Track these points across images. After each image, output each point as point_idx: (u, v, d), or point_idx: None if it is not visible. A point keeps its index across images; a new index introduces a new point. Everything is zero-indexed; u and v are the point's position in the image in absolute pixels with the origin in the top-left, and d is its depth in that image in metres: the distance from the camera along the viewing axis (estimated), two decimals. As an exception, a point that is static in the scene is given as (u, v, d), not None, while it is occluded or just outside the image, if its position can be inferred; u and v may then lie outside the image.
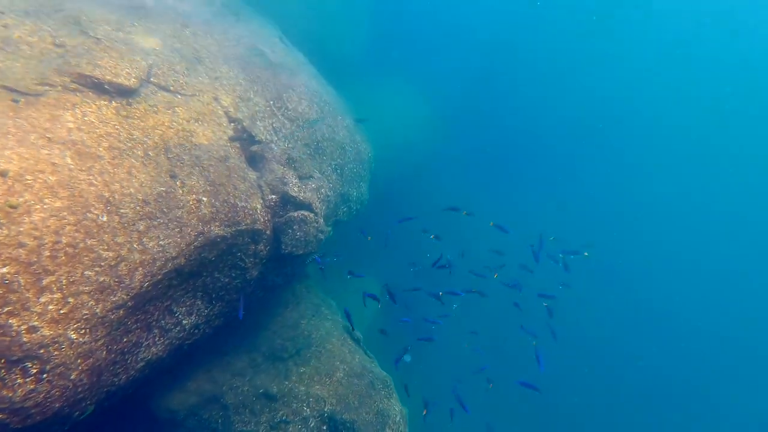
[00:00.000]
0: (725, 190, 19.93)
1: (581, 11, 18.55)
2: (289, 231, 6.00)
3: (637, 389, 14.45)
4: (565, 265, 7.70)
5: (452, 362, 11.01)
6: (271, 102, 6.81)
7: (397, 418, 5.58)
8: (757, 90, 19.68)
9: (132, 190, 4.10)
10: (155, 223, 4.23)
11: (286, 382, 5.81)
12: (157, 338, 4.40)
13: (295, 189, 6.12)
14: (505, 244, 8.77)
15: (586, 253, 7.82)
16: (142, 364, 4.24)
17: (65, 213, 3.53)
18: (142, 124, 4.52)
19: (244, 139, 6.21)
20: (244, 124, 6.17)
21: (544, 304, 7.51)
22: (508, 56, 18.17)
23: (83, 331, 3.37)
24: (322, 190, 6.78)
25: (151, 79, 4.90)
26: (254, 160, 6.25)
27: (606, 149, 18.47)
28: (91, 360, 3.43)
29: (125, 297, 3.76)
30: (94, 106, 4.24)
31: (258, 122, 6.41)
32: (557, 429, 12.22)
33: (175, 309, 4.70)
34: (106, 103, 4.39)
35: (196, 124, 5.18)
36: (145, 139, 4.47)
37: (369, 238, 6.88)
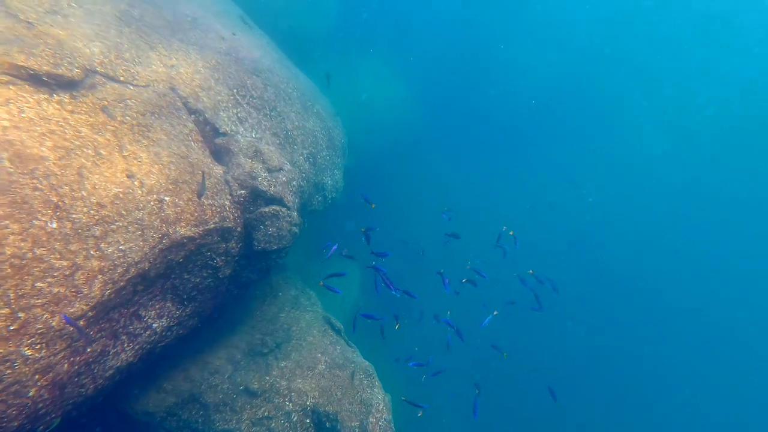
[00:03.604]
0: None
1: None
2: (261, 227, 5.84)
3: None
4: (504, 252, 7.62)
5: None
6: (235, 90, 6.45)
7: (380, 406, 5.72)
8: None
9: (84, 192, 3.81)
10: (113, 227, 3.98)
11: (267, 378, 5.80)
12: (125, 344, 4.24)
13: (265, 183, 5.92)
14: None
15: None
16: (111, 371, 4.08)
17: (7, 221, 3.24)
18: (91, 119, 4.16)
19: (207, 131, 5.89)
20: (206, 115, 5.83)
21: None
22: (490, 31, 17.65)
23: (38, 346, 3.18)
24: (294, 182, 6.59)
25: (97, 69, 4.49)
26: (219, 154, 5.96)
27: (590, 133, 18.29)
28: (51, 375, 3.26)
29: (85, 307, 3.56)
30: (32, 100, 3.84)
31: (221, 113, 6.08)
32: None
33: (143, 313, 4.51)
34: (46, 96, 3.99)
35: (152, 117, 4.84)
36: (95, 136, 4.13)
37: (373, 205, 6.67)
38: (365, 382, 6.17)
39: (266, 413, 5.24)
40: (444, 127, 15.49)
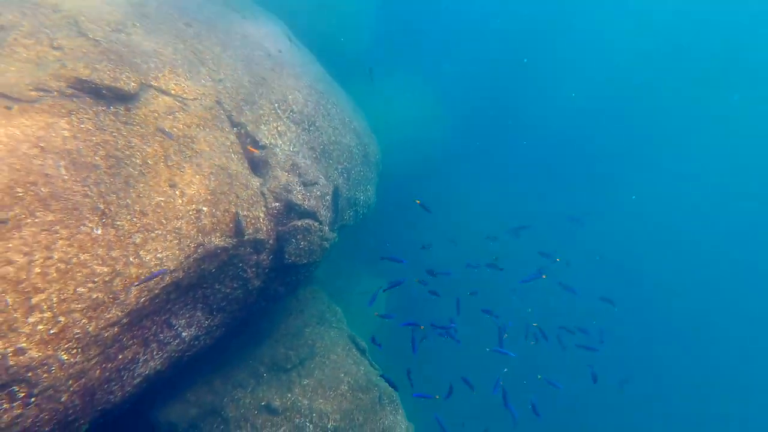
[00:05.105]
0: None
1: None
2: (293, 240, 5.80)
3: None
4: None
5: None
6: (276, 105, 6.60)
7: (403, 437, 5.37)
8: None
9: (129, 200, 3.93)
10: (153, 235, 4.06)
11: (289, 395, 5.64)
12: (155, 352, 4.26)
13: (300, 196, 5.91)
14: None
15: (558, 259, 7.81)
16: (139, 379, 4.10)
17: (58, 227, 3.37)
18: (142, 130, 4.35)
19: (248, 144, 6.02)
20: (248, 128, 5.97)
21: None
22: (523, 50, 17.54)
23: (74, 351, 3.22)
24: (328, 197, 6.55)
25: (152, 83, 4.72)
26: (257, 166, 6.05)
27: (622, 149, 17.75)
28: (83, 380, 3.29)
29: (120, 314, 3.61)
30: (91, 112, 4.07)
31: (262, 126, 6.21)
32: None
33: (173, 322, 4.54)
34: (104, 108, 4.22)
35: (197, 129, 4.99)
36: (144, 146, 4.29)
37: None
38: (388, 408, 5.85)
39: (286, 434, 5.06)
40: (479, 146, 15.26)
